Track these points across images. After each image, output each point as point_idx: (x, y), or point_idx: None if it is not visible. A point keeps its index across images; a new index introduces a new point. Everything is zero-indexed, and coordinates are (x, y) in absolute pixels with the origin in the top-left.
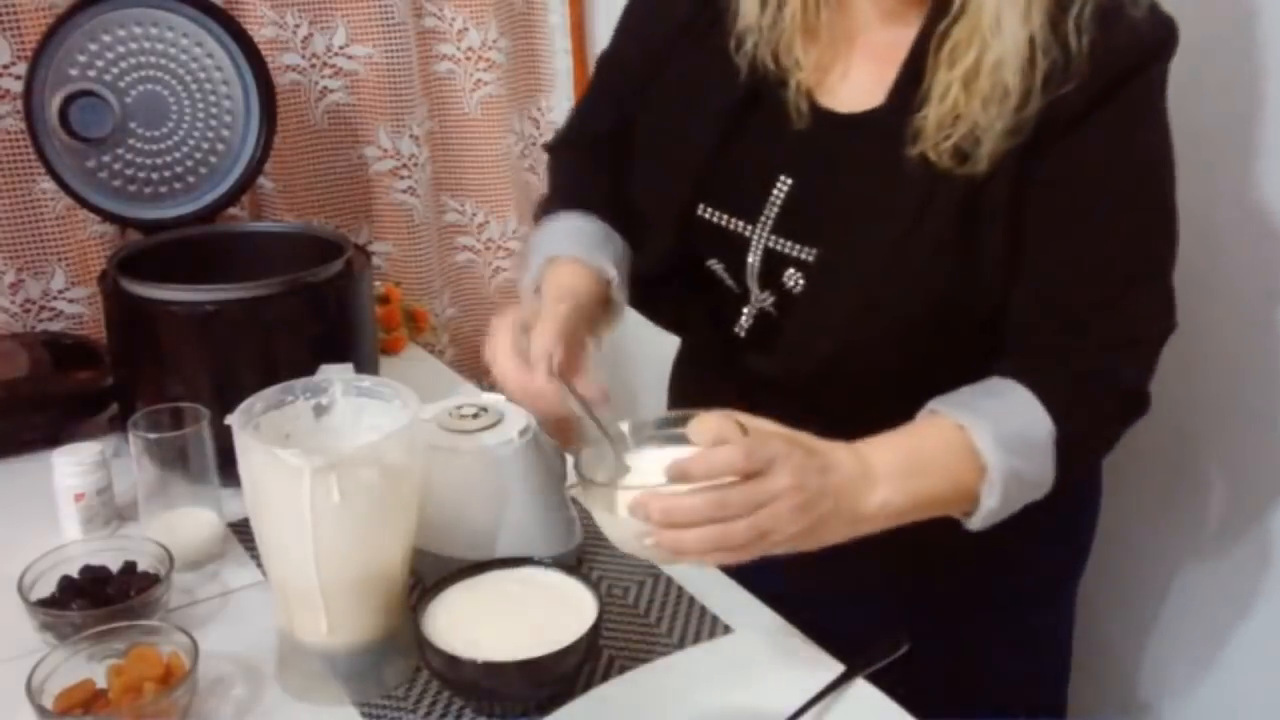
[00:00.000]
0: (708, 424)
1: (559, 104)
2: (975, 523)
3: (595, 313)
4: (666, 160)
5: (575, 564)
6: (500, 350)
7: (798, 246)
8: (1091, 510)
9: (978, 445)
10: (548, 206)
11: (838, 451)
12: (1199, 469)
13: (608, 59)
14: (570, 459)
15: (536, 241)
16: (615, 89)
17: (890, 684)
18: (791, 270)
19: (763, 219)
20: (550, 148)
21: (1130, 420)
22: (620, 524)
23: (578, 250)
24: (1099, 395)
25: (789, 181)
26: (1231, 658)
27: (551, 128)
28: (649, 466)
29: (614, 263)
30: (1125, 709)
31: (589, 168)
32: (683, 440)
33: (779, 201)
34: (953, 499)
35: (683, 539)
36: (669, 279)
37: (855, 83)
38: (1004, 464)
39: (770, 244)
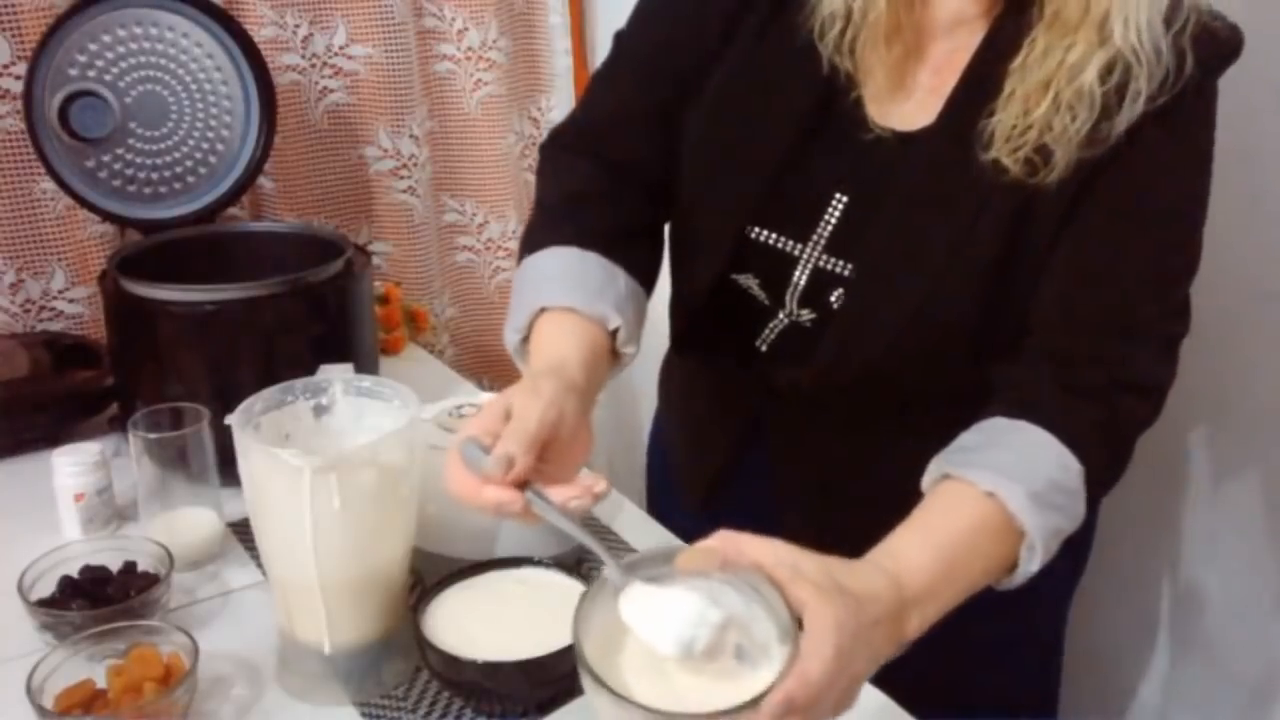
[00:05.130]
0: (694, 559)
1: (559, 104)
2: (1013, 583)
3: (598, 372)
4: (726, 180)
5: (575, 564)
6: (450, 460)
7: (844, 264)
8: (1090, 516)
9: (1012, 510)
10: (536, 235)
11: (875, 590)
12: (1195, 469)
13: (635, 39)
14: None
15: (524, 280)
16: (647, 70)
17: (890, 684)
18: (840, 290)
19: (814, 238)
20: (545, 147)
21: (1151, 421)
22: None
23: (573, 298)
24: (1124, 414)
25: (844, 199)
26: (1230, 658)
27: (551, 128)
28: (641, 614)
29: (617, 308)
30: (1118, 709)
31: (591, 175)
32: (671, 574)
33: (833, 220)
34: (990, 579)
35: None
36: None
37: (916, 99)
38: (1042, 524)
39: (820, 263)
